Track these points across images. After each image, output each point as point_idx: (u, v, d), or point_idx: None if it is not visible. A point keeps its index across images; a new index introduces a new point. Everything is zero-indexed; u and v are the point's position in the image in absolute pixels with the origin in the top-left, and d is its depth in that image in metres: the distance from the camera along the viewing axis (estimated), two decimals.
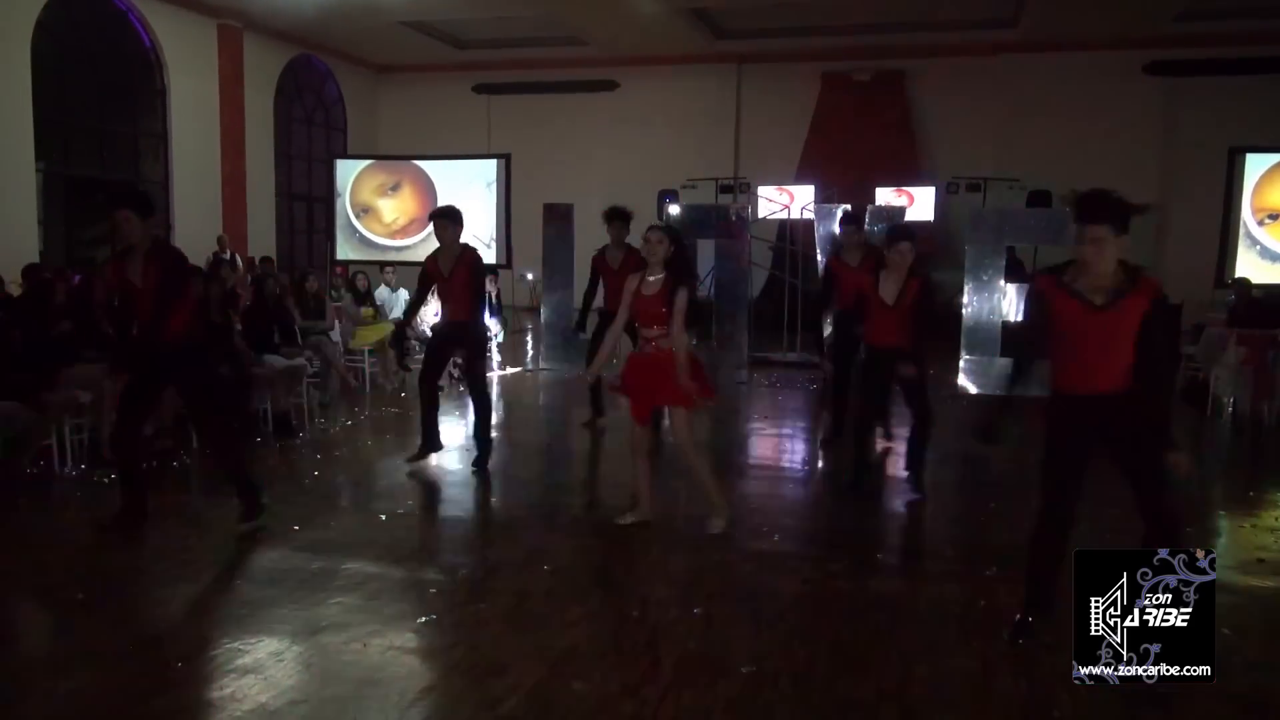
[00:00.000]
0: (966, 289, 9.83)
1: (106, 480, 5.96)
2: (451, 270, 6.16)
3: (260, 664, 3.44)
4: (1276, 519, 5.69)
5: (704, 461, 5.13)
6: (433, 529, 5.34)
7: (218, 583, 4.32)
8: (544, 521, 5.34)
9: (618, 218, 7.44)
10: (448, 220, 6.19)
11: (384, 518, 5.32)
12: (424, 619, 3.89)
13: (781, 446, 7.72)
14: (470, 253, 6.28)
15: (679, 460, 5.22)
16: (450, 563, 4.70)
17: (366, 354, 9.72)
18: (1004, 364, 9.76)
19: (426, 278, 6.35)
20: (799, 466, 7.02)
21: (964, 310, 9.81)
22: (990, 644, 3.69)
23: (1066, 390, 3.55)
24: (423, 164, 15.73)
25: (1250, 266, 13.74)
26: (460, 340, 6.40)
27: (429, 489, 6.14)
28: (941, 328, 9.86)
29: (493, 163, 15.22)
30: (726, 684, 3.32)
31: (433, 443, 6.48)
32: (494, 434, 6.61)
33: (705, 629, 3.81)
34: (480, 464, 6.36)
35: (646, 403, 4.99)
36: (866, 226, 10.33)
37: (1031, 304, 3.73)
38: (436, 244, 6.30)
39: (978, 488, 6.14)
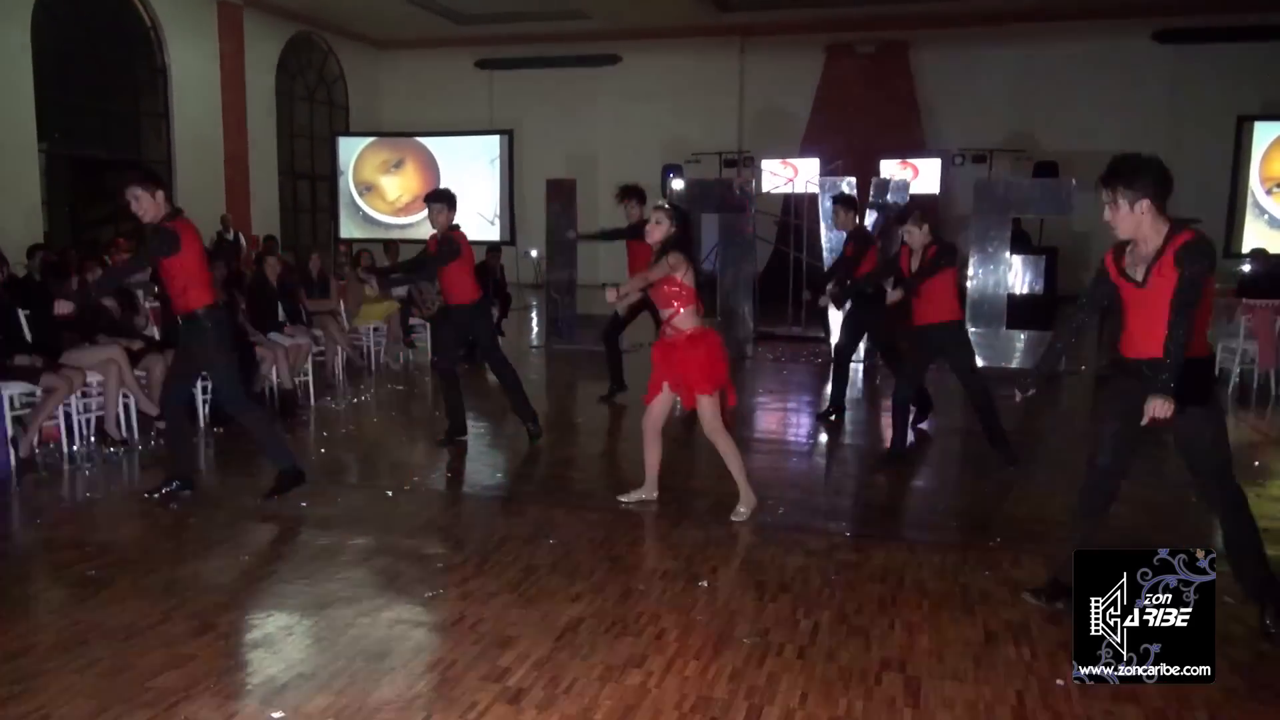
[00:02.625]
0: (972, 261, 9.80)
1: (117, 457, 6.03)
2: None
3: (270, 638, 3.48)
4: None
5: (733, 447, 4.87)
6: (439, 504, 5.37)
7: (226, 559, 4.36)
8: (550, 496, 5.37)
9: (631, 195, 7.46)
10: (443, 204, 6.20)
11: (390, 493, 5.35)
12: (431, 593, 3.93)
13: (786, 420, 7.74)
14: (456, 233, 6.25)
15: (697, 437, 5.22)
16: (457, 537, 4.73)
17: (371, 331, 9.74)
18: (1014, 336, 9.76)
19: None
20: (803, 440, 7.03)
21: (969, 283, 9.78)
22: (993, 613, 3.71)
23: (1118, 353, 3.55)
24: (425, 141, 15.70)
25: (1258, 235, 13.68)
26: (463, 323, 6.44)
27: (434, 465, 6.17)
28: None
29: (495, 139, 15.20)
30: (731, 655, 3.35)
31: (457, 427, 6.49)
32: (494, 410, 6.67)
33: (710, 601, 3.84)
34: (534, 434, 6.43)
35: (675, 384, 4.80)
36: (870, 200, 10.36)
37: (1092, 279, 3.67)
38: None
39: (980, 459, 6.15)
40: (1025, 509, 5.18)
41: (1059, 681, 3.16)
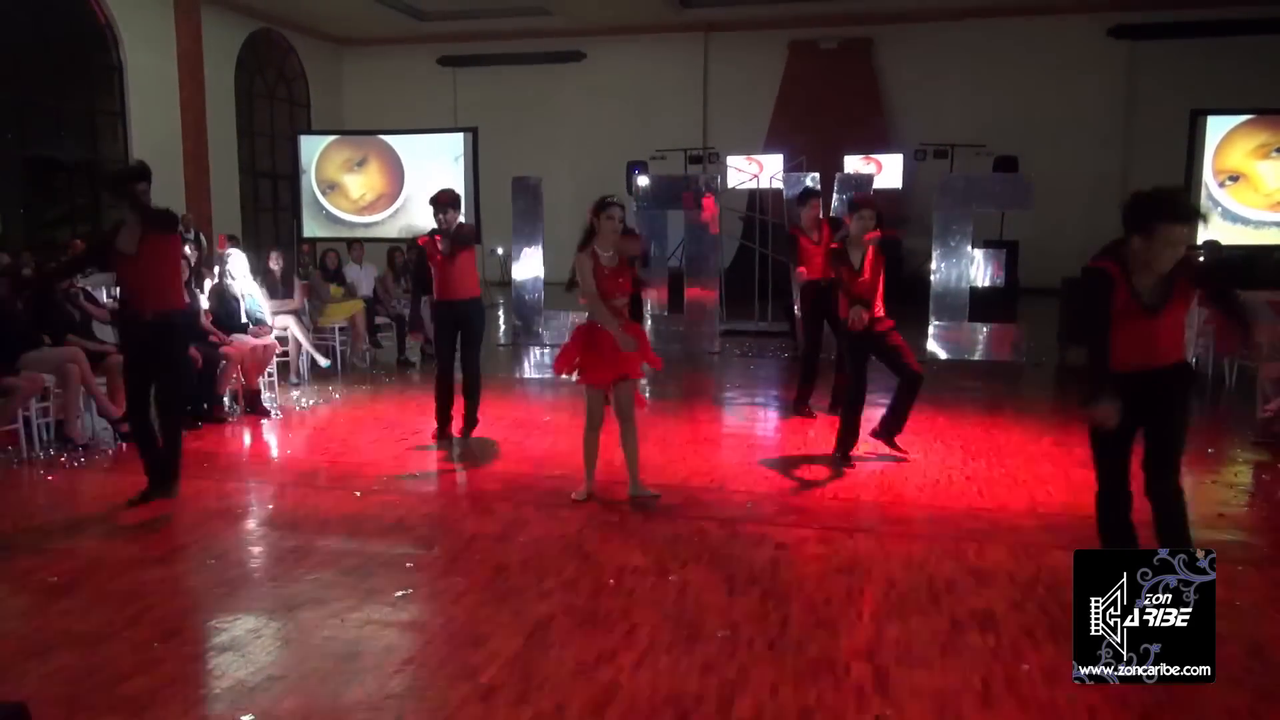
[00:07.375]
0: (935, 255, 9.92)
1: (77, 463, 5.94)
2: (453, 251, 6.37)
3: (238, 641, 3.45)
4: (1236, 475, 5.84)
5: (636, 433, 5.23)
6: (408, 504, 5.34)
7: (193, 562, 4.31)
8: (519, 494, 5.37)
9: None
10: (455, 209, 6.43)
11: (358, 494, 5.32)
12: (401, 593, 3.92)
13: (754, 415, 7.78)
14: (468, 228, 6.58)
15: (640, 428, 5.25)
16: (426, 537, 4.71)
17: (336, 331, 9.66)
18: (976, 329, 9.88)
19: (425, 260, 6.54)
20: (771, 435, 7.08)
21: (932, 276, 9.90)
22: (959, 602, 3.77)
23: (1121, 368, 3.42)
24: (389, 139, 15.57)
25: (1212, 229, 13.92)
26: (469, 318, 6.54)
27: (403, 465, 6.13)
28: (909, 294, 9.99)
29: (459, 136, 15.11)
30: (701, 648, 3.38)
31: (446, 427, 6.66)
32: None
33: (680, 595, 3.86)
34: (466, 434, 6.62)
35: (612, 372, 5.01)
36: (835, 196, 10.44)
37: (1093, 289, 3.46)
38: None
39: (946, 452, 6.22)
40: (991, 501, 5.26)
41: (1024, 667, 3.23)
